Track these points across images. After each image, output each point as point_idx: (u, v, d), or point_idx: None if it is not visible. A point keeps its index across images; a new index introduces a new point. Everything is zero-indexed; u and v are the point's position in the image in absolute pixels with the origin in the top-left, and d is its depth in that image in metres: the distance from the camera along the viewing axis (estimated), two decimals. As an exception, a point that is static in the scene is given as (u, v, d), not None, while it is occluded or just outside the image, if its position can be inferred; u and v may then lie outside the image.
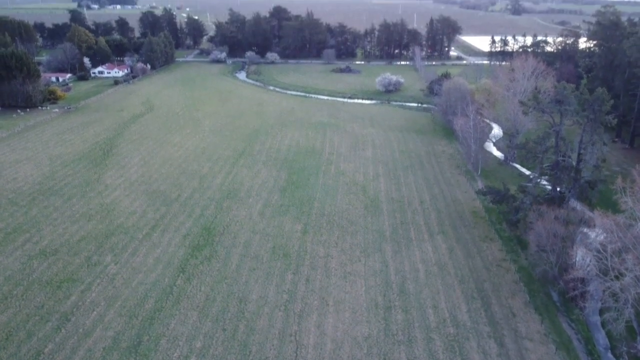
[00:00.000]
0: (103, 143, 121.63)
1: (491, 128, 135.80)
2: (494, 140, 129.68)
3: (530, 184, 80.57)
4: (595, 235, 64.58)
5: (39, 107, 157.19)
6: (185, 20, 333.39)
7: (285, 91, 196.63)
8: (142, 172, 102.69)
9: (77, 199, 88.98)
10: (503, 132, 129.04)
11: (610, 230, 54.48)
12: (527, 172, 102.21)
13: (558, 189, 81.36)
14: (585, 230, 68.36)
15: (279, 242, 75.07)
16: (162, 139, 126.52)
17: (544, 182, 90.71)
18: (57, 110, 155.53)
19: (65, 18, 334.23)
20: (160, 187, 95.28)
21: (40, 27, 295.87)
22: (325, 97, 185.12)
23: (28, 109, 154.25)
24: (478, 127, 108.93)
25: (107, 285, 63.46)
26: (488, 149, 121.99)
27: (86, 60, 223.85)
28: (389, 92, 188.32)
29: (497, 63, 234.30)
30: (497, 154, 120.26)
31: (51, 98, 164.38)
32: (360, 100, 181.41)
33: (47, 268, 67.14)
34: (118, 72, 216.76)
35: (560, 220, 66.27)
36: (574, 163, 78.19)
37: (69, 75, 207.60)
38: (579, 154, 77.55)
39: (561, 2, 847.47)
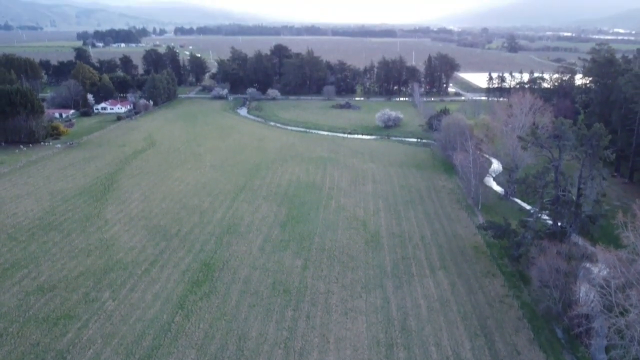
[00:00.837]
0: (104, 178, 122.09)
1: (491, 163, 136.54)
2: (494, 175, 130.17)
3: (531, 219, 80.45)
4: (598, 270, 64.00)
5: (42, 143, 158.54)
6: (188, 57, 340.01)
7: (285, 127, 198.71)
8: (142, 207, 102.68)
9: (77, 234, 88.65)
10: (502, 167, 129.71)
11: (613, 266, 54.04)
12: (528, 207, 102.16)
13: (559, 223, 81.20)
14: (587, 265, 67.81)
15: (279, 277, 74.37)
16: (163, 174, 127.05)
17: (545, 217, 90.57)
18: (59, 145, 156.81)
19: (70, 56, 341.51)
20: (161, 222, 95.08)
21: (45, 64, 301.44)
22: (326, 133, 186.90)
23: (31, 145, 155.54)
24: (477, 162, 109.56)
25: (105, 322, 62.53)
26: (488, 184, 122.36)
27: (90, 96, 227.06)
28: (389, 127, 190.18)
29: (495, 99, 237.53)
30: (497, 188, 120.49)
31: (54, 134, 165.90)
32: (360, 136, 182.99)
33: (44, 304, 66.30)
34: (121, 108, 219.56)
35: (563, 255, 65.84)
36: (574, 198, 78.32)
37: (72, 111, 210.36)
38: (579, 188, 77.81)
39: (556, 40, 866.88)
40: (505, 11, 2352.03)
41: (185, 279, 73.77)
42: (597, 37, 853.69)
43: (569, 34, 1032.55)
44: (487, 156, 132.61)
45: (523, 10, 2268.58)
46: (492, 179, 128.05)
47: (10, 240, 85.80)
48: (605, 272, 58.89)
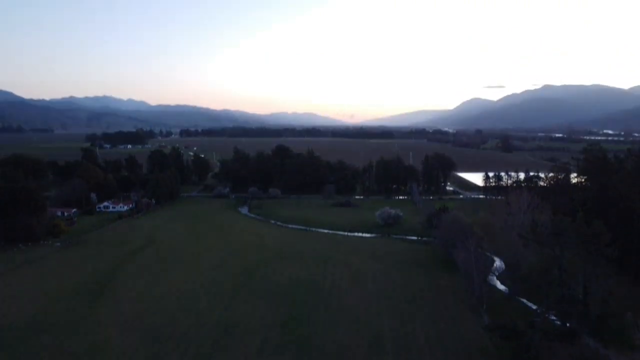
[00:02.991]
0: (101, 277, 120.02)
1: (493, 261, 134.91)
2: (497, 273, 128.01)
3: (538, 319, 77.89)
4: (614, 375, 60.77)
5: (42, 242, 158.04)
6: (192, 158, 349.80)
7: (286, 225, 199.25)
8: (137, 308, 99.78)
9: (68, 337, 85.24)
10: (505, 264, 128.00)
11: (629, 370, 51.44)
12: (534, 307, 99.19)
13: (567, 324, 78.46)
14: (602, 369, 64.50)
15: (277, 384, 70.29)
16: (160, 272, 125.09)
17: (553, 317, 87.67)
18: (58, 244, 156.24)
19: (78, 156, 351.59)
20: (155, 323, 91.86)
21: (52, 164, 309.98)
22: (326, 231, 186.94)
23: (30, 243, 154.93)
24: (480, 260, 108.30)
25: None
26: (492, 282, 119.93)
27: (93, 195, 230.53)
28: (389, 225, 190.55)
29: (493, 197, 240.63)
30: (501, 287, 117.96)
31: (54, 232, 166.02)
32: (360, 234, 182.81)
33: (25, 415, 62.05)
34: (123, 207, 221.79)
35: (575, 358, 62.85)
36: (581, 296, 76.48)
37: (74, 209, 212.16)
38: (585, 287, 76.23)
39: (549, 140, 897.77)
40: (498, 114, 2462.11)
41: (177, 385, 69.72)
42: (587, 137, 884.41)
43: (560, 135, 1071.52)
44: (489, 254, 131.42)
45: (515, 112, 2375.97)
46: (495, 277, 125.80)
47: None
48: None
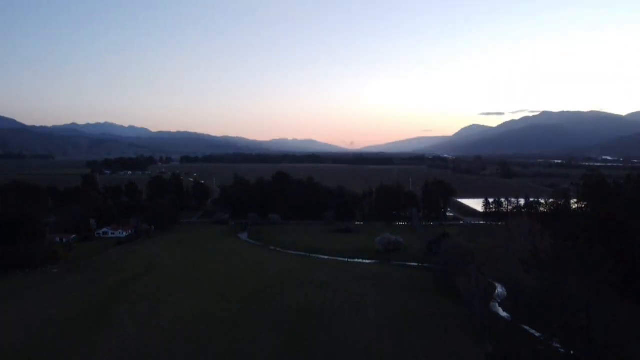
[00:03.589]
0: (98, 304, 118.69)
1: (495, 287, 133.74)
2: (499, 300, 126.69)
3: (541, 347, 76.79)
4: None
5: (39, 268, 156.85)
6: (192, 184, 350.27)
7: (286, 251, 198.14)
8: (134, 336, 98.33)
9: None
10: (507, 291, 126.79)
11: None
12: (537, 334, 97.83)
13: (571, 352, 77.28)
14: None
15: (276, 414, 68.76)
16: (159, 299, 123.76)
17: (557, 345, 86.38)
18: (56, 270, 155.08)
19: (78, 182, 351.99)
20: (152, 352, 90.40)
21: (52, 190, 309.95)
22: (326, 257, 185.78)
23: (27, 270, 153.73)
24: (481, 287, 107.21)
25: None
26: (494, 309, 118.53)
27: (92, 221, 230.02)
28: (389, 251, 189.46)
29: (493, 223, 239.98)
30: (504, 314, 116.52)
31: (52, 258, 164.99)
32: (360, 260, 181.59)
33: None
34: (122, 233, 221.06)
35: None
36: (584, 323, 75.57)
37: (73, 236, 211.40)
38: (587, 313, 75.40)
39: (548, 167, 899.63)
40: (497, 140, 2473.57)
41: (174, 415, 68.18)
42: (586, 164, 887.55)
43: (559, 161, 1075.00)
44: (490, 280, 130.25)
45: (513, 139, 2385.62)
46: (497, 303, 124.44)
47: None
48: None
